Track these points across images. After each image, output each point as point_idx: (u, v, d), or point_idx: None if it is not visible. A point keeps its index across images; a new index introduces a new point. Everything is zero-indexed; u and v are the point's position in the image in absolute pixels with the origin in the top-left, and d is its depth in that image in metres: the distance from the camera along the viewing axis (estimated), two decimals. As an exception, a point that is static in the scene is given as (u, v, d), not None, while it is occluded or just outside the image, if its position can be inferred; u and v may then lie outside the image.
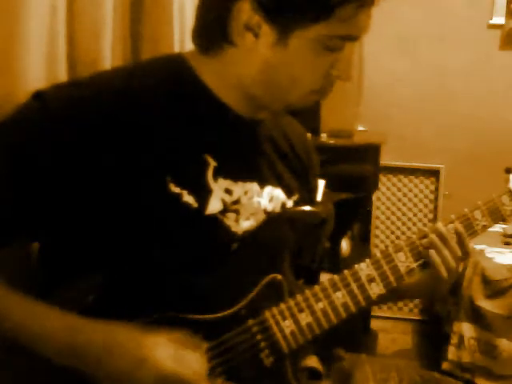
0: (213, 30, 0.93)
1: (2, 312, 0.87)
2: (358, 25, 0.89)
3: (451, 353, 2.56)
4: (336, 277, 0.98)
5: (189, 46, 1.66)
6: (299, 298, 0.96)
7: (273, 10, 0.87)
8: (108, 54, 1.36)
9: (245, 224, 0.97)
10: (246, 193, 0.97)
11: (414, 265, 1.00)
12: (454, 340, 2.56)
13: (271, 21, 0.87)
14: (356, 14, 0.87)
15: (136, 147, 0.88)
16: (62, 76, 1.24)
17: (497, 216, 1.05)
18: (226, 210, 0.94)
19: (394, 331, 3.14)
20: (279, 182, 1.04)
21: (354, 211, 2.64)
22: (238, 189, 0.96)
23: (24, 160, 0.86)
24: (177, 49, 1.60)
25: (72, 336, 0.85)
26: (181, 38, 1.64)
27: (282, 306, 0.95)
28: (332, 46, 0.89)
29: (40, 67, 1.16)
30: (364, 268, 0.99)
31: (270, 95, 0.94)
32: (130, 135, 0.88)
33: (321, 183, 2.04)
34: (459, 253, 1.02)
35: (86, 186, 0.86)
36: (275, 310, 0.95)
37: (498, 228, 2.84)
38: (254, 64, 0.91)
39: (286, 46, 0.88)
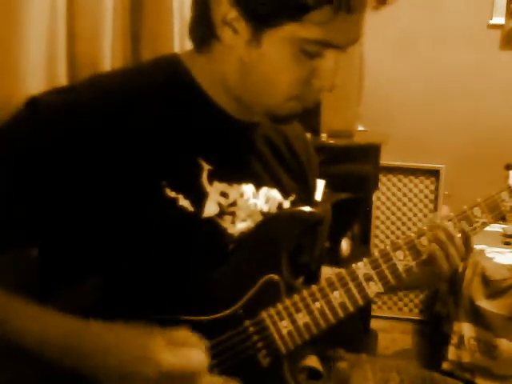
0: (201, 25, 0.92)
1: (1, 315, 0.87)
2: (336, 31, 0.85)
3: (451, 353, 2.56)
4: (333, 276, 0.97)
5: (189, 44, 1.66)
6: (296, 297, 0.96)
7: (246, 6, 0.85)
8: (108, 54, 1.36)
9: (241, 225, 0.97)
10: (241, 195, 0.97)
11: (413, 263, 1.00)
12: (454, 340, 2.56)
13: (246, 16, 0.86)
14: (333, 19, 0.83)
15: (131, 151, 0.88)
16: (62, 76, 1.24)
17: (496, 213, 1.04)
18: (222, 212, 0.94)
19: (393, 331, 3.14)
20: (275, 183, 1.03)
21: (354, 211, 2.63)
22: (234, 191, 0.96)
23: (20, 167, 0.86)
24: (177, 48, 1.60)
25: (72, 338, 0.85)
26: (181, 38, 1.64)
27: (279, 306, 0.95)
28: (309, 51, 0.87)
29: (40, 67, 1.16)
30: (361, 267, 0.98)
31: (249, 96, 0.93)
32: (125, 139, 0.88)
33: (321, 183, 2.03)
34: (463, 250, 1.02)
35: (82, 190, 0.86)
36: (272, 310, 0.95)
37: (498, 228, 2.84)
38: (233, 61, 0.90)
39: (259, 44, 0.87)
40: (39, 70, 1.15)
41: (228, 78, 0.92)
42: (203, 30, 0.92)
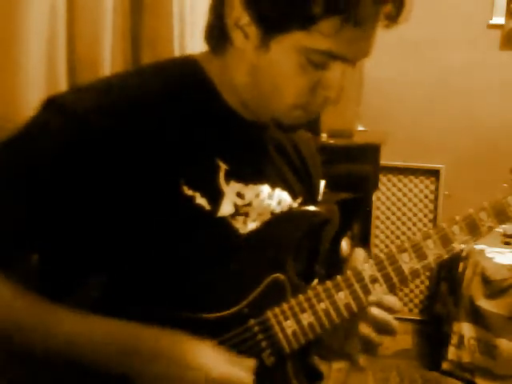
0: (216, 28, 0.93)
1: (46, 325, 0.86)
2: (344, 44, 0.85)
3: (451, 353, 2.56)
4: (339, 277, 0.97)
5: (189, 45, 1.67)
6: (301, 297, 0.96)
7: (257, 10, 0.85)
8: (108, 55, 1.36)
9: (251, 225, 0.97)
10: (257, 195, 0.98)
11: (418, 265, 0.99)
12: (454, 340, 2.56)
13: (256, 21, 0.86)
14: (340, 31, 0.83)
15: (150, 150, 0.88)
16: (62, 76, 1.24)
17: (503, 217, 1.03)
18: (236, 213, 0.95)
19: (398, 332, 3.14)
20: (285, 185, 1.04)
21: (354, 211, 2.63)
22: (250, 192, 0.97)
23: (47, 167, 0.86)
24: (176, 48, 1.60)
25: (122, 341, 0.86)
26: (180, 38, 1.64)
27: (284, 305, 0.95)
28: (316, 61, 0.87)
29: (40, 68, 1.16)
30: (367, 268, 0.98)
31: (256, 101, 0.93)
32: (145, 139, 0.88)
33: (321, 183, 2.03)
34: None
35: (103, 187, 0.86)
36: (277, 310, 0.95)
37: (498, 228, 2.83)
38: (243, 65, 0.91)
39: (267, 49, 0.87)
40: (39, 70, 1.16)
41: (238, 81, 0.93)
42: (218, 33, 0.92)
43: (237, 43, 0.89)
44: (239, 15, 0.87)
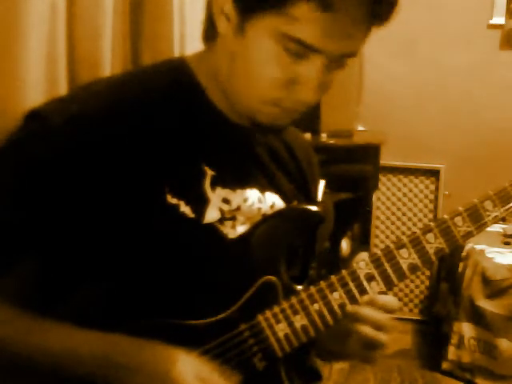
0: (208, 25, 0.92)
1: (27, 336, 0.86)
2: (319, 33, 0.82)
3: (451, 353, 2.56)
4: (333, 277, 0.94)
5: (189, 45, 1.67)
6: (294, 299, 0.93)
7: None
8: (108, 54, 1.36)
9: (241, 229, 0.95)
10: (245, 200, 0.96)
11: (418, 261, 0.95)
12: (454, 340, 2.56)
13: (234, 4, 0.85)
14: (315, 19, 0.80)
15: (136, 158, 0.88)
16: (62, 76, 1.24)
17: (510, 205, 0.96)
18: (223, 218, 0.93)
19: (393, 331, 3.14)
20: (276, 189, 1.02)
21: (354, 211, 2.64)
22: (237, 197, 0.95)
23: (32, 178, 0.86)
24: (176, 48, 1.60)
25: (104, 353, 0.84)
26: (181, 38, 1.64)
27: (276, 308, 0.93)
28: (292, 50, 0.84)
29: (40, 67, 1.16)
30: (363, 266, 0.95)
31: (233, 93, 0.91)
32: (129, 146, 0.88)
33: (321, 183, 2.03)
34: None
35: (89, 198, 0.86)
36: (268, 313, 0.92)
37: (497, 228, 2.84)
38: (225, 53, 0.90)
39: (244, 33, 0.85)
40: (39, 70, 1.16)
41: (219, 71, 0.92)
42: (209, 28, 0.91)
43: (220, 29, 0.88)
44: (224, 1, 0.86)
